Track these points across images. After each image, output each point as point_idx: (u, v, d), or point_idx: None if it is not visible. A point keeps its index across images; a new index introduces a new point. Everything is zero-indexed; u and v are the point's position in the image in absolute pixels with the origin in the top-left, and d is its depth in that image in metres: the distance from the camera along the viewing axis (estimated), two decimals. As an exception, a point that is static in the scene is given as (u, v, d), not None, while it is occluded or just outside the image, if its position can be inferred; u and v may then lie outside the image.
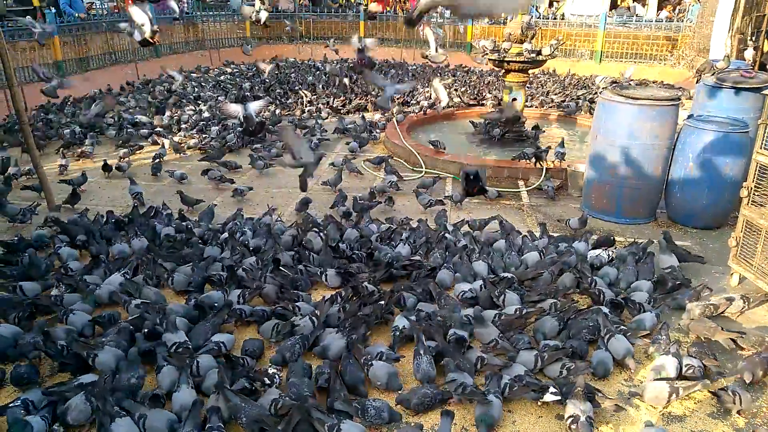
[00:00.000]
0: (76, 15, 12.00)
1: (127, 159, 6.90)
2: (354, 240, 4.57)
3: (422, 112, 9.14)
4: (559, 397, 2.75)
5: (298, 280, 3.89)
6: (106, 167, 6.45)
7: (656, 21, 14.84)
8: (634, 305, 3.63)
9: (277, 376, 2.85)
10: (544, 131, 8.12)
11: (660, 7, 18.91)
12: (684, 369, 3.02)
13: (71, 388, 2.71)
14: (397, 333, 3.24)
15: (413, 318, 3.38)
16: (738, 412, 2.80)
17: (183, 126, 8.35)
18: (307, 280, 3.92)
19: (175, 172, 6.35)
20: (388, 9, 18.17)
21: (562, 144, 6.58)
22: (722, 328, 3.40)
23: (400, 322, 3.31)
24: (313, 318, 3.32)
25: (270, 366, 2.99)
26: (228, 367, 2.91)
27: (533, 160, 6.39)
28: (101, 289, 3.64)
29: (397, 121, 8.20)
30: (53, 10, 11.73)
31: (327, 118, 9.35)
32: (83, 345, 3.00)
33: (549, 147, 6.60)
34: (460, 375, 2.82)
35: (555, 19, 15.62)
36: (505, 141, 7.87)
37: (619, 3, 19.16)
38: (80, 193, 5.61)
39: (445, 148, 7.13)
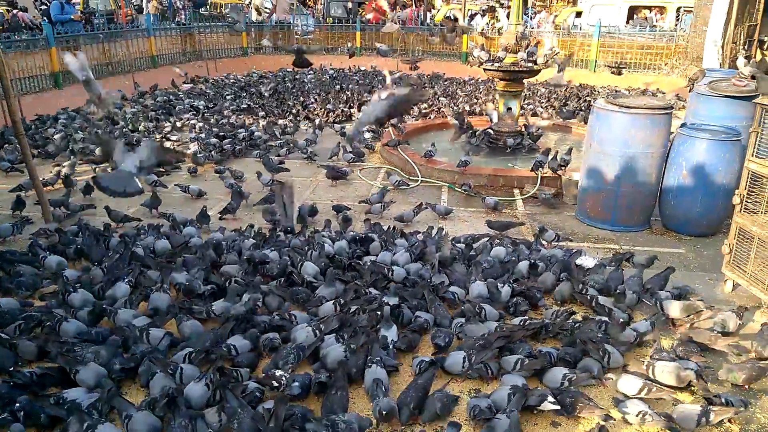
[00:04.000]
0: (71, 17, 11.99)
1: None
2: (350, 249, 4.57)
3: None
4: (558, 407, 2.76)
5: (299, 292, 3.85)
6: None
7: (650, 30, 14.96)
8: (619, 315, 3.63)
9: (284, 378, 2.83)
10: (541, 133, 8.15)
11: (678, 18, 18.80)
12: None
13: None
14: (391, 347, 3.23)
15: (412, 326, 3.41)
16: (729, 421, 2.82)
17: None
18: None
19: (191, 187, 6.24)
20: (384, 19, 18.32)
21: (569, 151, 6.59)
22: (722, 335, 3.43)
23: (390, 334, 3.29)
24: (316, 330, 3.28)
25: (277, 369, 2.94)
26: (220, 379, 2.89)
27: (540, 169, 6.44)
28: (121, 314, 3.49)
29: (394, 129, 8.23)
30: (46, 20, 11.77)
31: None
32: (67, 359, 2.93)
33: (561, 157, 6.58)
34: (476, 399, 2.81)
35: (556, 29, 15.69)
36: (500, 150, 7.90)
37: (636, 14, 18.95)
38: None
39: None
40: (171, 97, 11.27)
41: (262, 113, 10.10)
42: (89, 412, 2.59)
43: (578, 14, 19.87)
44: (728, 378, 3.10)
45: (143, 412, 2.58)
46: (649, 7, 18.83)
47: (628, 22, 17.60)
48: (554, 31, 15.00)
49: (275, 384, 2.81)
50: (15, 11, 15.90)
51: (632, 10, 18.52)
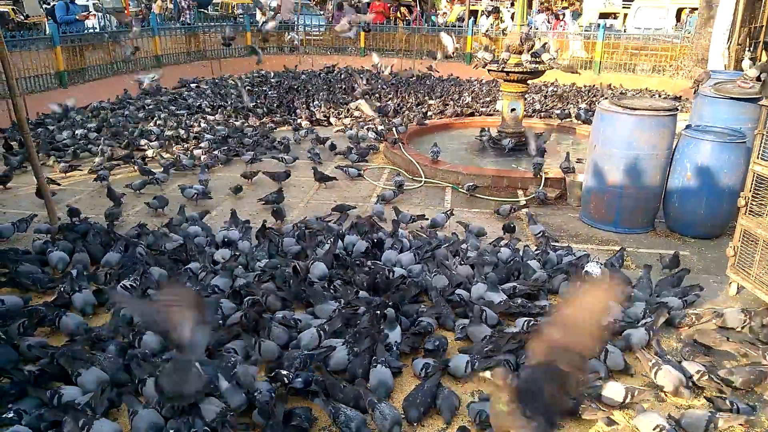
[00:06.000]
0: (76, 17, 12.00)
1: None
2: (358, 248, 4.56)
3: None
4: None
5: (301, 293, 3.82)
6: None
7: (655, 32, 14.91)
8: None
9: (288, 378, 2.86)
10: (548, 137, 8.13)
11: None
12: (697, 376, 3.04)
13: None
14: (395, 349, 3.23)
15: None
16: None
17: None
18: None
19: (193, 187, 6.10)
20: (388, 18, 18.32)
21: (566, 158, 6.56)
22: (728, 338, 3.41)
23: (394, 336, 3.29)
24: (320, 332, 3.27)
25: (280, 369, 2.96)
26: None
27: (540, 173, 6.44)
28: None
29: (397, 131, 8.22)
30: (49, 20, 11.78)
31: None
32: (70, 360, 2.93)
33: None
34: (479, 404, 2.83)
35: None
36: (503, 151, 7.89)
37: (689, 15, 18.44)
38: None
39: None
40: (176, 96, 11.31)
41: (260, 111, 10.13)
42: (90, 407, 2.60)
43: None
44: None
45: (149, 409, 2.59)
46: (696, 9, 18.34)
47: (676, 24, 17.29)
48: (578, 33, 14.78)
49: (282, 379, 2.83)
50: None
51: (680, 11, 17.86)
